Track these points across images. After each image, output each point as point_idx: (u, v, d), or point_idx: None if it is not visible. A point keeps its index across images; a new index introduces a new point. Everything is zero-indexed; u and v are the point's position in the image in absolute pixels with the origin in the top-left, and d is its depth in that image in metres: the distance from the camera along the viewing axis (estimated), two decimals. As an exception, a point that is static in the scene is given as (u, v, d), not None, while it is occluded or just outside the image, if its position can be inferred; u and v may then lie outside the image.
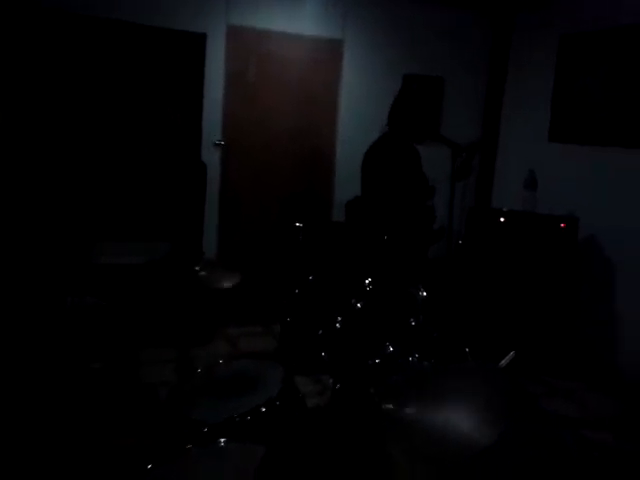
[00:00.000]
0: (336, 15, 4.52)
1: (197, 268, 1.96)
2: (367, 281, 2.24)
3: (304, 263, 2.68)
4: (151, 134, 4.07)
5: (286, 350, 2.38)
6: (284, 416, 1.67)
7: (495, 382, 1.75)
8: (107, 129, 3.95)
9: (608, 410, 3.49)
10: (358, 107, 4.62)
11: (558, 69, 4.45)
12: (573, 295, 4.02)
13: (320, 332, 2.14)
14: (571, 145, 4.34)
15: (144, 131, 4.05)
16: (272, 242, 4.29)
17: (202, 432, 1.52)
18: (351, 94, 4.65)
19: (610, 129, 4.03)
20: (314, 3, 4.42)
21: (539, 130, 4.58)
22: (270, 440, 1.45)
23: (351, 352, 1.92)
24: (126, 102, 3.99)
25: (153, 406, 1.76)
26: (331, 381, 1.93)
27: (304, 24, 4.43)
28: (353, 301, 2.16)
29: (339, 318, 2.13)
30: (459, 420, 1.51)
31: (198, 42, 4.14)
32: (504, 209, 4.38)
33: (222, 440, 1.39)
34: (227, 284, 1.92)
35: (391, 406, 1.62)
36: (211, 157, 4.27)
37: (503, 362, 1.90)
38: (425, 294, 2.09)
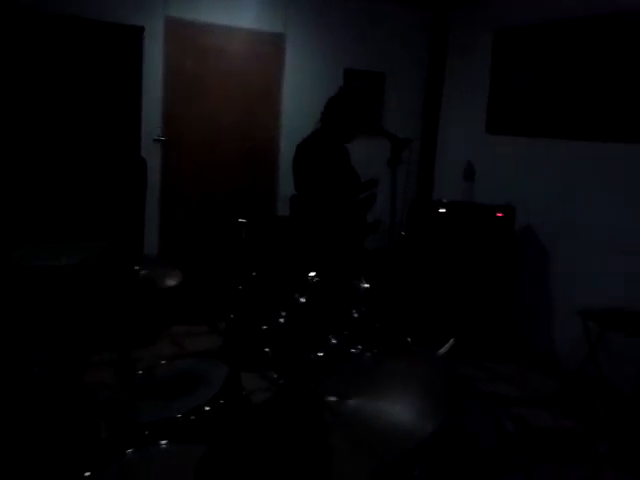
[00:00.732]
0: (277, 9, 4.50)
1: (137, 267, 1.92)
2: (310, 275, 2.26)
3: (247, 259, 2.68)
4: (87, 130, 3.94)
5: (231, 347, 2.37)
6: (227, 414, 1.67)
7: (436, 369, 1.80)
8: (41, 125, 3.80)
9: (546, 390, 3.65)
10: (302, 101, 4.62)
11: (493, 63, 4.59)
12: (511, 282, 4.17)
13: (264, 328, 2.14)
14: (507, 136, 4.49)
15: (80, 127, 3.91)
16: (215, 239, 4.25)
17: (143, 434, 1.49)
18: (294, 88, 4.64)
19: (543, 121, 4.19)
20: (255, -4, 4.39)
21: (477, 122, 4.72)
22: (212, 438, 1.45)
23: (295, 347, 1.93)
24: (60, 97, 3.85)
25: (93, 409, 1.72)
26: (275, 376, 1.93)
27: (245, 17, 4.39)
28: (296, 295, 2.17)
29: (283, 313, 2.13)
30: (402, 408, 1.55)
31: (135, 35, 4.03)
32: (444, 200, 4.49)
33: (163, 442, 1.38)
34: (168, 283, 1.89)
35: (333, 398, 1.64)
36: (151, 153, 4.18)
37: (443, 350, 1.96)
38: (367, 286, 2.12)
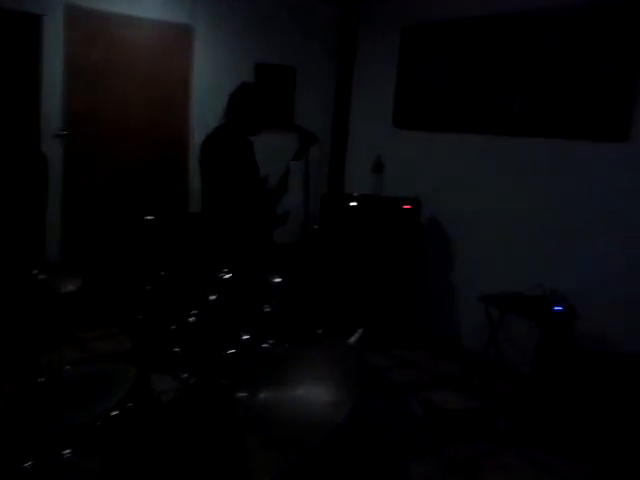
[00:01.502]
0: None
1: (35, 272, 1.83)
2: (222, 271, 2.25)
3: (155, 258, 2.62)
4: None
5: (140, 349, 2.32)
6: (136, 417, 1.64)
7: (345, 359, 1.86)
8: None
9: (453, 374, 3.85)
10: (212, 95, 4.54)
11: (400, 59, 4.73)
12: (418, 271, 4.35)
13: (173, 327, 2.11)
14: (413, 131, 4.65)
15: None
16: (122, 238, 4.11)
17: (46, 443, 1.44)
18: (204, 82, 4.56)
19: (447, 116, 4.38)
20: (160, -15, 4.27)
21: (385, 117, 4.85)
22: (118, 442, 1.42)
23: (205, 344, 1.92)
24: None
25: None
26: (186, 376, 1.92)
27: (150, 7, 4.26)
28: (207, 293, 2.16)
29: (193, 312, 2.12)
30: (313, 399, 1.59)
31: (32, 23, 3.80)
32: (355, 194, 4.60)
33: (67, 451, 1.34)
34: (67, 288, 1.82)
35: (244, 394, 1.66)
36: (52, 149, 3.98)
37: (352, 339, 2.02)
38: (279, 280, 2.15)
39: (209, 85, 4.56)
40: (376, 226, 4.34)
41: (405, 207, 4.30)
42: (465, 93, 4.24)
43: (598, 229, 3.50)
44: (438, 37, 4.42)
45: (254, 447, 1.57)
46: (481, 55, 4.12)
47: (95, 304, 3.94)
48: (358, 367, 1.69)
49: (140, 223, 2.85)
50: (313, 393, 1.58)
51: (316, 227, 4.36)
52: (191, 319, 2.09)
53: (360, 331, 1.98)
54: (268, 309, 2.00)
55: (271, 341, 1.91)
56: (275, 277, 2.11)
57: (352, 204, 4.39)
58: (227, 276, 2.20)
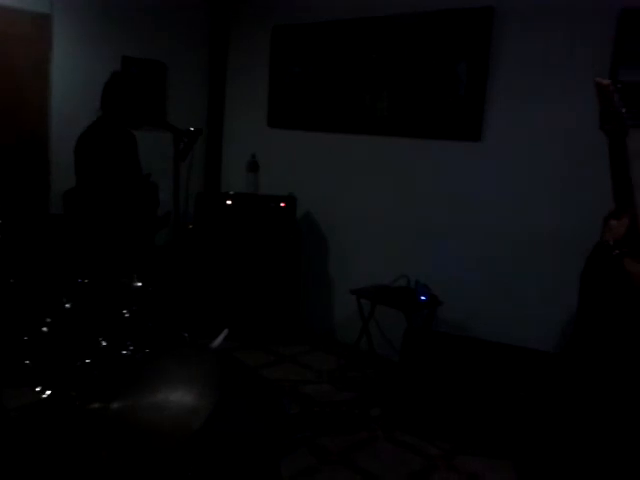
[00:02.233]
0: (42, -15, 4.11)
1: None
2: (80, 277, 2.14)
3: (5, 265, 2.43)
4: None
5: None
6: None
7: (207, 360, 1.84)
8: None
9: (329, 366, 3.95)
10: (74, 89, 4.30)
11: (272, 58, 4.75)
12: (294, 268, 4.41)
13: (25, 338, 1.98)
14: (286, 130, 4.69)
15: None
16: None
17: None
18: (65, 75, 4.29)
19: (319, 116, 4.47)
20: (11, -31, 3.94)
21: (260, 116, 4.85)
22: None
23: (59, 356, 1.82)
24: None
25: None
26: (38, 389, 1.81)
27: (-1, -7, 3.94)
28: (63, 300, 2.04)
29: (47, 320, 2.00)
30: (171, 405, 1.55)
31: None
32: (230, 192, 4.56)
33: None
34: None
35: (96, 405, 1.59)
36: None
37: (216, 341, 2.01)
38: (140, 284, 2.08)
39: (71, 79, 4.30)
40: (252, 225, 4.34)
41: (281, 205, 4.34)
42: (334, 93, 4.35)
43: (457, 223, 3.75)
44: (307, 37, 4.50)
45: (108, 462, 1.52)
46: (348, 56, 4.25)
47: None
48: (217, 370, 1.69)
49: (-14, 227, 2.63)
50: (171, 399, 1.55)
51: (191, 227, 4.27)
52: (44, 329, 1.97)
53: (225, 331, 1.97)
54: (127, 314, 1.94)
55: (131, 347, 1.85)
56: (135, 281, 2.04)
57: (227, 203, 4.35)
58: (85, 282, 2.10)
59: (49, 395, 1.75)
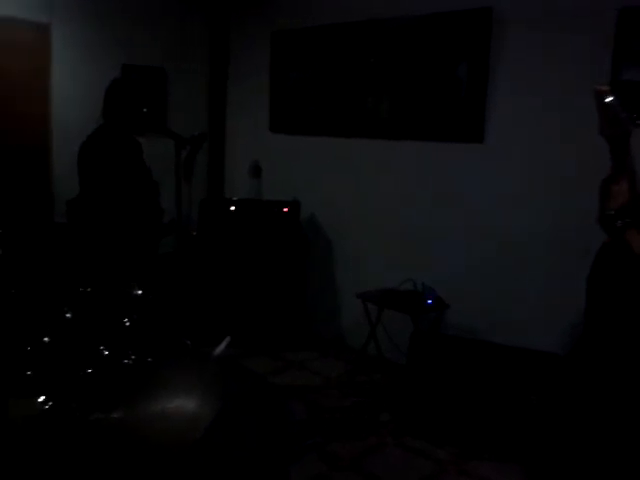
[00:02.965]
0: (42, -4, 4.13)
1: None
2: (81, 286, 2.12)
3: (6, 275, 2.41)
4: None
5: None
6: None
7: (208, 368, 1.81)
8: None
9: (337, 371, 3.91)
10: (76, 98, 4.31)
11: (272, 64, 4.74)
12: (300, 274, 4.38)
13: (28, 349, 1.96)
14: (290, 135, 4.68)
15: None
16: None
17: None
18: (66, 84, 4.30)
19: (321, 121, 4.45)
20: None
21: (261, 122, 4.84)
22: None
23: (61, 366, 1.80)
24: None
25: None
26: (41, 400, 1.78)
27: (1, 4, 3.94)
28: (65, 309, 2.02)
29: (49, 330, 1.97)
30: (174, 411, 1.52)
31: None
32: (234, 198, 4.55)
33: None
34: None
35: (97, 415, 1.56)
36: None
37: (219, 349, 1.98)
38: (140, 292, 2.06)
39: (71, 87, 4.31)
40: (256, 230, 4.32)
41: (284, 210, 4.32)
42: (335, 98, 4.33)
43: (461, 225, 3.72)
44: (307, 42, 4.48)
45: (110, 469, 1.49)
46: (348, 60, 4.23)
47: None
48: (220, 378, 1.66)
49: (-12, 238, 2.62)
50: (171, 408, 1.52)
51: (194, 233, 4.26)
52: (46, 339, 1.95)
53: (228, 339, 1.94)
54: (128, 323, 1.91)
55: (133, 356, 1.82)
56: (136, 289, 2.02)
57: (231, 208, 4.33)
58: (86, 291, 2.08)
59: (51, 406, 1.73)
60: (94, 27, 4.42)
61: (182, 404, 1.54)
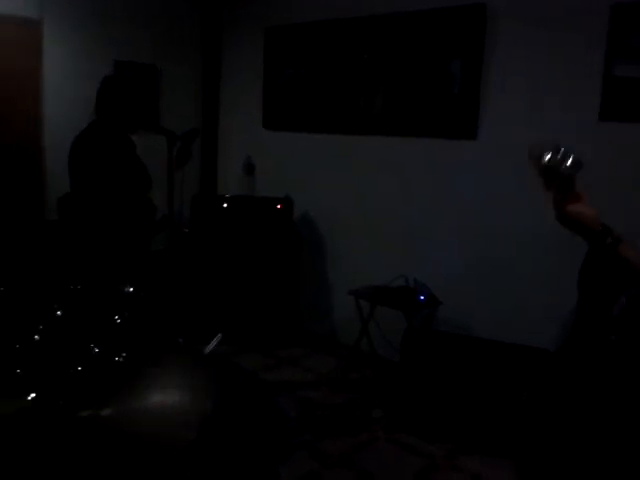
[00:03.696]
0: (32, -8, 4.10)
1: None
2: (71, 283, 2.11)
3: (-5, 272, 2.40)
4: None
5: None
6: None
7: (200, 365, 1.81)
8: None
9: (329, 368, 3.91)
10: (67, 95, 4.28)
11: (265, 60, 4.72)
12: (292, 270, 4.38)
13: (17, 346, 1.95)
14: (283, 132, 4.67)
15: None
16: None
17: None
18: (57, 81, 4.28)
19: (314, 117, 4.44)
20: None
21: (255, 118, 4.83)
22: None
23: (52, 363, 1.79)
24: None
25: None
26: (30, 398, 1.78)
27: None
28: (55, 307, 2.01)
29: (39, 328, 1.97)
30: (165, 408, 1.52)
31: None
32: (226, 195, 4.54)
33: None
34: None
35: (86, 412, 1.56)
36: None
37: (210, 346, 1.98)
38: (131, 289, 2.05)
39: (62, 85, 4.29)
40: (249, 227, 4.31)
41: (277, 207, 4.31)
42: (328, 94, 4.33)
43: (454, 221, 3.72)
44: (300, 38, 4.47)
45: (101, 469, 1.49)
46: (341, 56, 4.22)
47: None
48: (211, 376, 1.66)
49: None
50: (163, 406, 1.52)
51: (186, 230, 4.24)
52: (36, 336, 1.94)
53: (219, 336, 1.94)
54: (119, 320, 1.90)
55: (123, 354, 1.82)
56: (127, 286, 2.01)
57: (224, 205, 4.32)
58: (77, 288, 2.07)
59: (40, 404, 1.72)
60: (86, 23, 4.39)
61: (173, 401, 1.54)
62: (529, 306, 3.43)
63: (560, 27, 3.24)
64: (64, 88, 4.29)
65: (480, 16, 3.50)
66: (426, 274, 3.67)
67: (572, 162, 1.54)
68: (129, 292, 2.02)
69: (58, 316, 1.96)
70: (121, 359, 1.83)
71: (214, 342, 1.94)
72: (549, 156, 1.53)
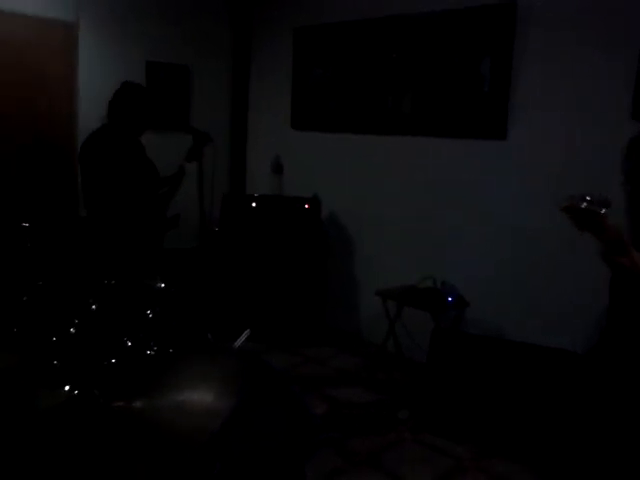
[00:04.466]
0: (68, -5, 4.20)
1: None
2: (105, 278, 2.16)
3: (33, 268, 2.47)
4: None
5: (22, 363, 2.19)
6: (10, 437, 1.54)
7: (228, 360, 1.84)
8: None
9: (355, 368, 3.92)
10: (101, 96, 4.35)
11: (294, 60, 4.76)
12: (320, 270, 4.40)
13: (54, 339, 2.01)
14: (311, 132, 4.69)
15: None
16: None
17: None
18: (92, 83, 4.37)
19: (342, 117, 4.46)
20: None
21: (284, 118, 4.86)
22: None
23: (87, 356, 1.84)
24: None
25: None
26: (67, 389, 1.83)
27: (28, 2, 4.03)
28: (90, 301, 2.07)
29: (75, 321, 2.02)
30: (193, 402, 1.55)
31: None
32: (255, 194, 4.58)
33: None
34: None
35: (120, 403, 1.60)
36: None
37: (238, 341, 2.01)
38: (162, 285, 2.09)
39: (97, 85, 4.37)
40: (277, 226, 4.35)
41: (305, 206, 4.34)
42: (357, 94, 4.33)
43: (482, 222, 3.69)
44: (328, 38, 4.49)
45: (134, 456, 1.52)
46: (370, 56, 4.23)
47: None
48: (239, 371, 1.68)
49: (16, 230, 2.68)
50: (190, 400, 1.55)
51: (216, 229, 4.30)
52: (72, 330, 2.00)
53: (247, 332, 1.97)
54: (151, 315, 1.95)
55: (155, 348, 1.86)
56: (158, 282, 2.05)
57: (253, 204, 4.37)
58: (110, 283, 2.12)
59: (76, 394, 1.77)
60: (119, 25, 4.49)
61: (200, 396, 1.57)
62: (557, 309, 3.38)
63: (591, 29, 3.20)
64: (98, 89, 4.38)
65: (510, 15, 3.47)
66: (455, 276, 3.65)
67: (600, 201, 1.64)
68: (160, 288, 2.06)
69: (93, 310, 2.01)
70: (152, 352, 1.88)
71: (242, 338, 1.96)
72: (584, 204, 1.63)
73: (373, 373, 3.80)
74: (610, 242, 1.72)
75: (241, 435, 1.56)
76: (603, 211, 1.61)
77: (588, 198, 1.64)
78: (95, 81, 4.38)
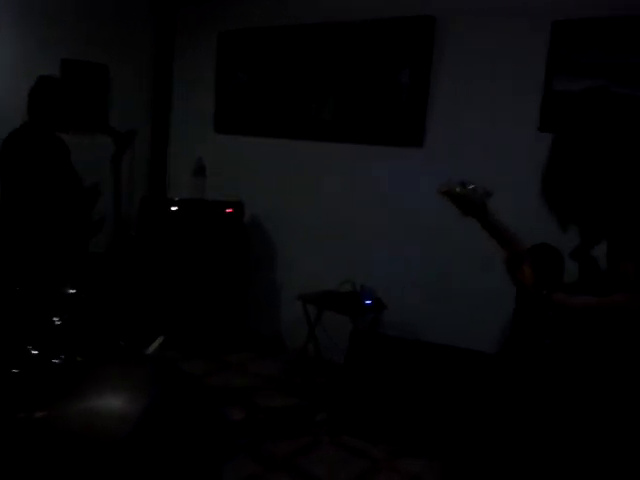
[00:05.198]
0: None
1: None
2: (11, 284, 2.07)
3: None
4: None
5: None
6: None
7: (138, 366, 1.80)
8: None
9: (276, 373, 3.93)
10: (10, 94, 4.15)
11: (218, 64, 4.72)
12: (241, 274, 4.38)
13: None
14: (234, 136, 4.67)
15: None
16: None
17: None
18: (3, 80, 4.15)
19: (266, 122, 4.46)
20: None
21: (206, 121, 4.81)
22: None
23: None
24: None
25: None
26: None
27: None
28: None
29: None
30: (101, 408, 1.52)
31: None
32: (176, 198, 4.50)
33: None
34: None
35: (21, 414, 1.54)
36: None
37: (151, 347, 1.98)
38: (73, 291, 2.03)
39: (6, 84, 4.16)
40: (199, 230, 4.29)
41: (228, 210, 4.31)
42: (280, 100, 4.36)
43: (399, 227, 3.81)
44: (252, 43, 4.49)
45: (39, 469, 1.47)
46: (293, 63, 4.27)
47: None
48: (149, 376, 1.66)
49: None
50: (98, 406, 1.51)
51: (133, 234, 4.18)
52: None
53: (160, 338, 1.94)
54: (59, 322, 1.88)
55: (62, 356, 1.79)
56: (68, 288, 1.99)
57: (173, 208, 4.28)
58: (15, 289, 2.03)
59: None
60: (33, 21, 4.27)
61: (109, 401, 1.54)
62: (474, 310, 3.53)
63: (505, 42, 3.39)
64: (7, 89, 4.16)
65: (429, 28, 3.61)
66: (374, 279, 3.74)
67: (482, 191, 1.81)
68: (70, 294, 2.00)
69: (-6, 317, 1.92)
70: (59, 361, 1.81)
71: (156, 344, 1.93)
72: (459, 188, 1.80)
73: (292, 377, 3.82)
74: (498, 237, 1.86)
75: (151, 437, 1.54)
76: (472, 188, 1.77)
77: (465, 184, 1.81)
78: (7, 79, 4.16)
